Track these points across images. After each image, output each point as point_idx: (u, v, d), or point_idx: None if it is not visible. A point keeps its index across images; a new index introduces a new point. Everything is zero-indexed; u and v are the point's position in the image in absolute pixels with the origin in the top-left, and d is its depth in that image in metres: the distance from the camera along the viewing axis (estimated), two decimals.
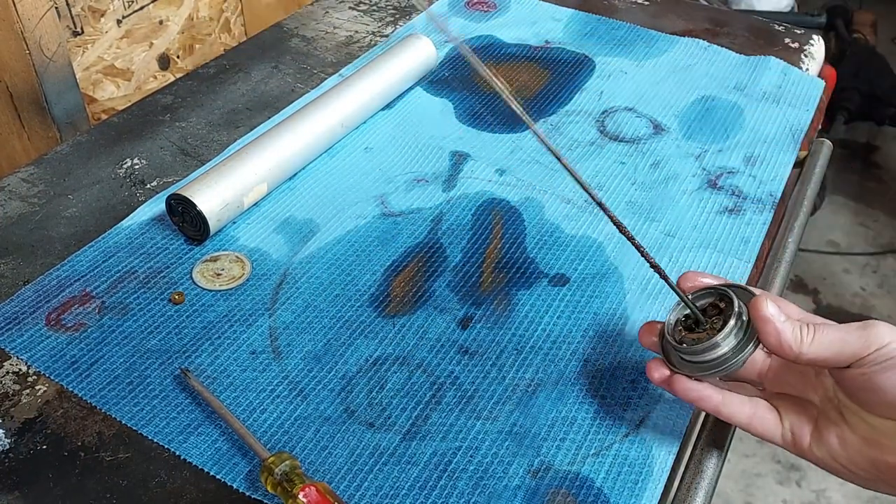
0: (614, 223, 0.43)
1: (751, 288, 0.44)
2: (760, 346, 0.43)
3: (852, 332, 0.41)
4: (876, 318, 0.42)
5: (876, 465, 0.42)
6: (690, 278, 0.47)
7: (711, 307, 0.45)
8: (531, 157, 0.71)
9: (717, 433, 0.50)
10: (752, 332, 0.43)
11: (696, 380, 0.44)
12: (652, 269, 0.44)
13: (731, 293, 0.44)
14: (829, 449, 0.43)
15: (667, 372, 0.45)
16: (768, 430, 0.45)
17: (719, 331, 0.43)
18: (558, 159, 0.43)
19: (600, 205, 0.43)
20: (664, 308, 0.57)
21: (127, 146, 0.71)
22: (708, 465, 0.48)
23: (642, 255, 0.44)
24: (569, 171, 0.43)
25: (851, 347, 0.40)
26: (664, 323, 0.46)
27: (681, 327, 0.46)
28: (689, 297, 0.45)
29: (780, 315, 0.42)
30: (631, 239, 0.44)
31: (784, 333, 0.41)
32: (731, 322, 0.43)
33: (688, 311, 0.45)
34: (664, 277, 0.44)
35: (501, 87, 0.44)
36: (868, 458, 0.42)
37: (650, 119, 0.76)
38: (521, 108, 0.44)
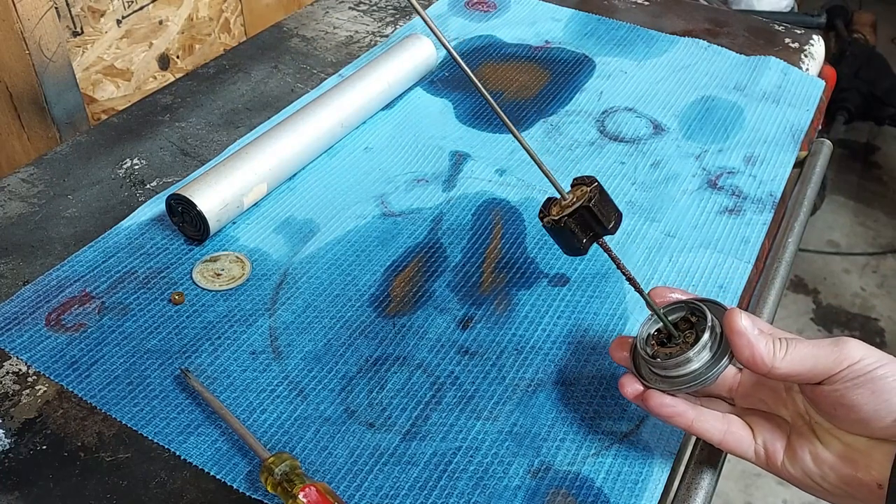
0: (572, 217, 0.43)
1: (722, 303, 0.45)
2: (733, 360, 0.43)
3: (825, 347, 0.41)
4: (848, 337, 0.42)
5: (847, 483, 0.41)
6: (660, 293, 0.47)
7: (683, 321, 0.46)
8: (530, 158, 0.71)
9: None
10: (724, 347, 0.43)
11: (669, 394, 0.44)
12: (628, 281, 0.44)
13: (704, 307, 0.44)
14: (802, 466, 0.43)
15: (640, 387, 0.45)
16: (741, 447, 0.44)
17: (692, 345, 0.43)
18: (533, 158, 0.43)
19: (558, 189, 0.44)
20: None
21: (127, 146, 0.71)
22: (708, 465, 0.48)
23: (615, 263, 0.45)
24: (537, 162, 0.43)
25: (824, 363, 0.40)
26: (636, 338, 0.46)
27: (653, 342, 0.45)
28: (661, 311, 0.45)
29: (754, 328, 0.41)
30: (604, 246, 0.44)
31: (758, 347, 0.41)
32: (706, 336, 0.43)
33: (659, 325, 0.45)
34: (637, 289, 0.44)
35: (489, 97, 0.44)
36: (840, 476, 0.42)
37: (650, 119, 0.76)
38: (508, 119, 0.44)
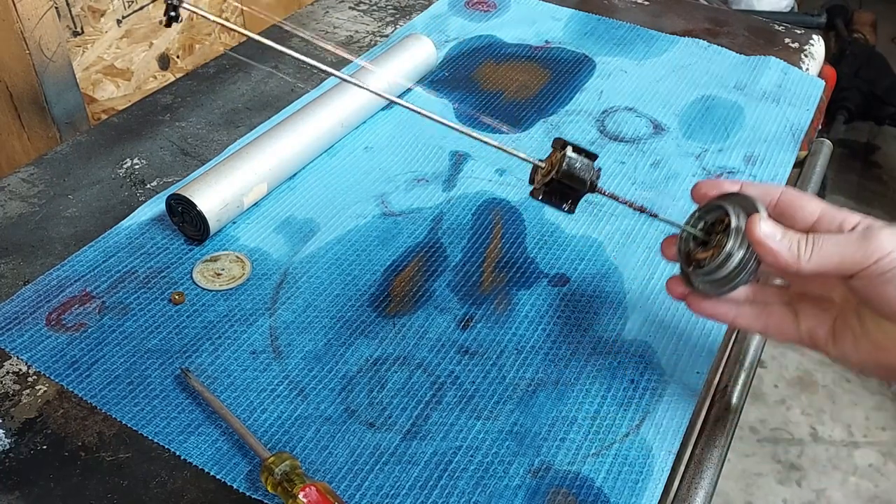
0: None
1: (755, 199, 0.43)
2: None
3: (853, 242, 0.40)
4: (881, 226, 0.40)
5: (885, 368, 0.42)
6: (702, 189, 0.46)
7: (720, 222, 0.45)
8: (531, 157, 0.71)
9: (717, 433, 0.50)
10: None
11: (713, 296, 0.45)
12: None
13: (730, 209, 0.44)
14: (843, 349, 0.43)
15: (684, 289, 0.46)
16: (785, 335, 0.45)
17: (722, 248, 0.43)
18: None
19: (532, 161, 0.46)
20: (663, 308, 0.57)
21: (127, 146, 0.71)
22: (708, 465, 0.48)
23: (616, 200, 0.46)
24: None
25: (851, 259, 0.39)
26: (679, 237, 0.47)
27: (691, 245, 0.46)
28: (698, 213, 0.46)
29: (776, 233, 0.41)
30: (601, 192, 0.46)
31: (780, 254, 0.40)
32: (729, 244, 0.43)
33: (700, 224, 0.46)
34: (650, 214, 0.46)
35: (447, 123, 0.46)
36: (878, 362, 0.42)
37: (650, 119, 0.76)
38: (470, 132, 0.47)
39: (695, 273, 0.45)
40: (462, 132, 0.46)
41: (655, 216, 0.46)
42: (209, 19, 0.48)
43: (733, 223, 0.43)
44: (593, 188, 0.46)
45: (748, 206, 0.43)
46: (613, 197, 0.46)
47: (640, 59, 0.85)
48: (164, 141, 0.71)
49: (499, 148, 0.45)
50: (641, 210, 0.46)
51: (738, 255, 0.43)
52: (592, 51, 0.86)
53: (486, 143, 0.46)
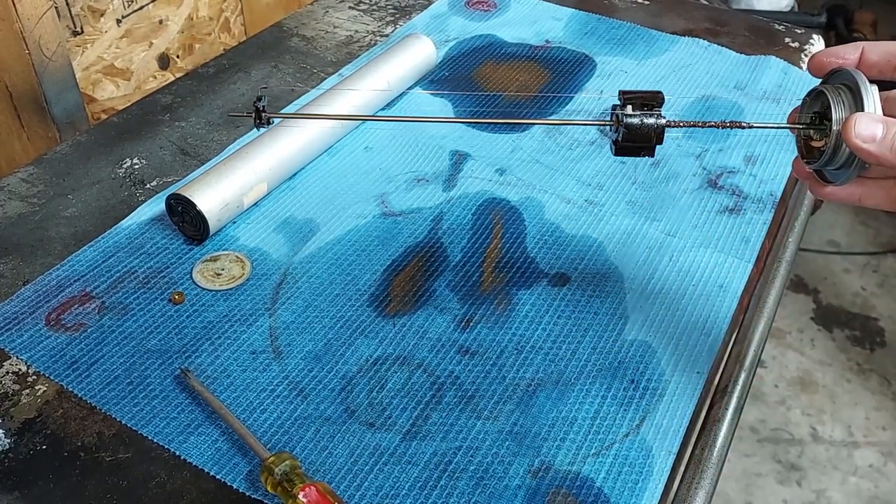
0: None
1: (862, 84, 0.41)
2: None
3: None
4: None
5: None
6: (819, 59, 0.44)
7: (829, 107, 0.43)
8: (531, 157, 0.71)
9: (717, 433, 0.50)
10: None
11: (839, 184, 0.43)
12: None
13: (833, 102, 0.42)
14: None
15: (809, 172, 0.44)
16: None
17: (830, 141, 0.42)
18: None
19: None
20: (663, 308, 0.57)
21: (127, 146, 0.70)
22: (708, 465, 0.48)
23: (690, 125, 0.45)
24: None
25: None
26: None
27: (810, 132, 0.45)
28: (809, 98, 0.44)
29: (875, 134, 0.39)
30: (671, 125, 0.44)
31: (882, 157, 0.39)
32: (833, 140, 0.41)
33: (815, 107, 0.44)
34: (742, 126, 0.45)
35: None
36: None
37: None
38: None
39: (811, 162, 0.44)
40: (466, 122, 0.45)
41: (751, 126, 0.45)
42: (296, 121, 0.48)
43: (834, 125, 0.41)
44: (660, 140, 0.44)
45: (855, 91, 0.41)
46: (692, 124, 0.45)
47: (640, 58, 0.85)
48: (164, 141, 0.71)
49: (556, 123, 0.44)
50: (730, 126, 0.44)
51: (847, 151, 0.41)
52: (593, 50, 0.86)
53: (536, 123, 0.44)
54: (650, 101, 0.44)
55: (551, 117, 0.76)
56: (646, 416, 0.50)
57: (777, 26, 0.92)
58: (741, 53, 0.86)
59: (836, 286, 1.78)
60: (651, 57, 0.85)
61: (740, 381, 0.54)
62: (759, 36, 0.90)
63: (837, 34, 2.02)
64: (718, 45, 0.87)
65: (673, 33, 0.89)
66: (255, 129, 0.45)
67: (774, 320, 0.58)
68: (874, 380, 1.57)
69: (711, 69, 0.83)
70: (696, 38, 0.88)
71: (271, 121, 0.44)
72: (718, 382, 0.54)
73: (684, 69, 0.83)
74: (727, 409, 0.52)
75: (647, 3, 0.96)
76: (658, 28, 0.90)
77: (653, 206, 0.66)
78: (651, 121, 0.44)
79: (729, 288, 0.59)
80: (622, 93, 0.45)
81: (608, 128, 0.45)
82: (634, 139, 0.44)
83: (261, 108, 0.44)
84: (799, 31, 0.91)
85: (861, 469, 1.42)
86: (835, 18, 2.01)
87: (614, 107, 0.45)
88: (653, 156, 0.45)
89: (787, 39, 0.90)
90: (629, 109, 0.44)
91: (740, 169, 0.70)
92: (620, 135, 0.44)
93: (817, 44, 0.90)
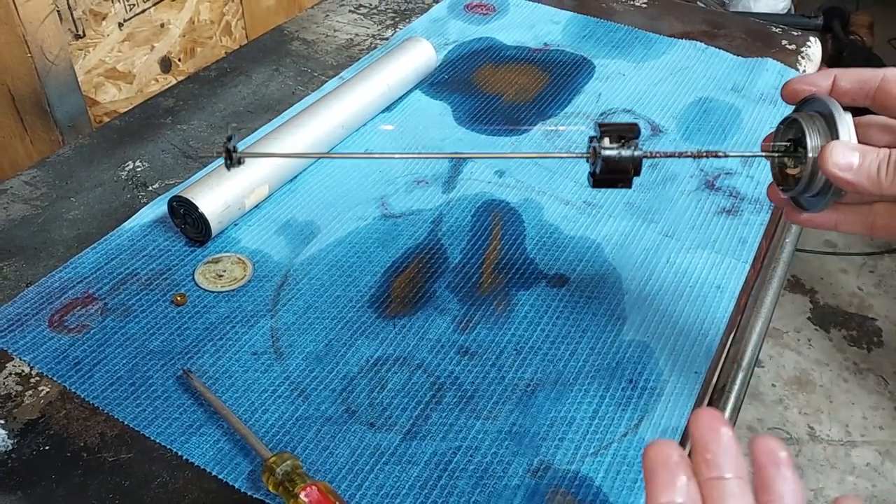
0: None
1: (836, 111, 0.41)
2: None
3: None
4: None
5: None
6: (792, 86, 0.44)
7: (804, 135, 0.43)
8: (530, 159, 0.71)
9: None
10: None
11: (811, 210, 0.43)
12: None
13: (807, 131, 0.42)
14: None
15: (785, 198, 0.45)
16: (891, 232, 0.43)
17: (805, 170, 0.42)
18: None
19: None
20: (661, 309, 0.57)
21: (129, 149, 0.71)
22: None
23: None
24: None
25: None
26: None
27: (785, 159, 0.45)
28: (783, 125, 0.44)
29: (852, 162, 0.38)
30: (651, 155, 0.44)
31: (859, 184, 0.39)
32: (809, 168, 0.41)
33: (790, 134, 0.44)
34: (718, 155, 0.45)
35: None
36: None
37: (648, 120, 0.77)
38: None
39: (787, 189, 0.44)
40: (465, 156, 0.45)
41: (727, 155, 0.45)
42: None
43: (809, 153, 0.41)
44: (637, 172, 0.44)
45: (829, 119, 0.41)
46: (669, 155, 0.45)
47: (638, 61, 0.85)
48: (166, 143, 0.72)
49: (539, 157, 0.44)
50: (706, 156, 0.45)
51: (823, 178, 0.41)
52: (591, 53, 0.86)
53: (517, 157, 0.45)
54: (627, 133, 0.44)
55: (550, 120, 0.76)
56: (644, 415, 0.50)
57: (774, 29, 0.93)
58: (738, 56, 0.86)
59: (833, 286, 1.78)
60: (649, 59, 0.86)
61: (738, 381, 0.54)
62: (756, 38, 0.91)
63: (834, 36, 2.02)
64: (715, 47, 0.87)
65: (670, 36, 0.89)
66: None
67: (772, 320, 0.58)
68: (871, 379, 1.57)
69: (709, 71, 0.84)
70: (694, 41, 0.88)
71: (242, 160, 0.43)
72: (716, 382, 0.54)
73: (682, 72, 0.84)
74: (725, 409, 0.52)
75: (644, 6, 0.97)
76: (655, 31, 0.90)
77: (650, 208, 0.66)
78: (628, 153, 0.44)
79: (726, 288, 0.59)
80: (599, 125, 0.44)
81: (586, 159, 0.45)
82: (612, 171, 0.44)
83: (231, 149, 0.43)
84: (796, 34, 0.92)
85: (858, 468, 1.42)
86: (831, 21, 2.02)
87: (591, 139, 0.45)
88: (630, 187, 0.45)
89: (783, 42, 0.90)
90: (606, 142, 0.44)
91: (737, 170, 0.71)
92: (598, 167, 0.44)
93: (814, 46, 0.90)
